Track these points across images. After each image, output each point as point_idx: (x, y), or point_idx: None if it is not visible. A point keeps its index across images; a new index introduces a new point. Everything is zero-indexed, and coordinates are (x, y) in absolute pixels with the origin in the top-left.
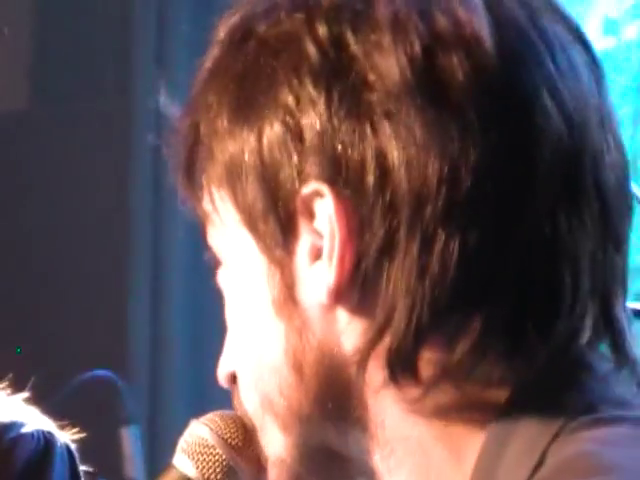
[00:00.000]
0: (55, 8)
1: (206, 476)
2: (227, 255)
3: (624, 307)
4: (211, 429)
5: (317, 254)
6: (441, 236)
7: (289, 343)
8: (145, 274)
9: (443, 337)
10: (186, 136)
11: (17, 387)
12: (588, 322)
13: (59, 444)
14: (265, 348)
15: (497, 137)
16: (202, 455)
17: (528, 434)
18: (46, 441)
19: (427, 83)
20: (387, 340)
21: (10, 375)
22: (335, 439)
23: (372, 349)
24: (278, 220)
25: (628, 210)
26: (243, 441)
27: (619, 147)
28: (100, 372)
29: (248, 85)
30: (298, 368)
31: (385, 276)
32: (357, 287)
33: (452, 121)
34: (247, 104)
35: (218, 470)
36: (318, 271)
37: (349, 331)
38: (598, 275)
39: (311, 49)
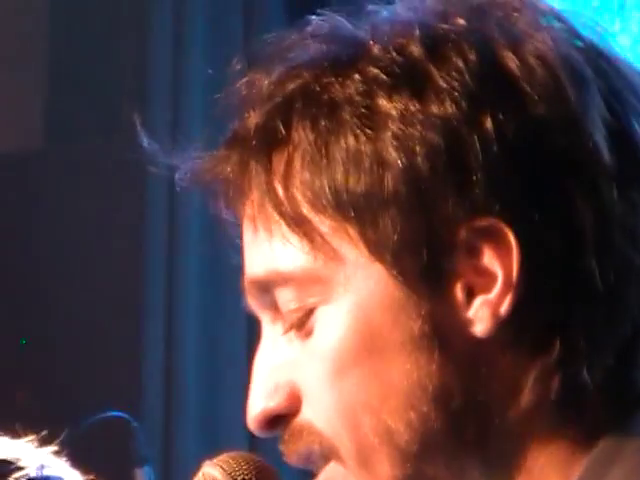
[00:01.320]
0: (71, 47)
1: None
2: (327, 289)
3: None
4: (223, 470)
5: (477, 290)
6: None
7: (433, 377)
8: (158, 319)
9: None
10: (257, 158)
11: (33, 426)
12: None
13: None
14: (392, 380)
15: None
16: None
17: (633, 457)
18: None
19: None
20: (556, 381)
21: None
22: (446, 476)
23: (544, 387)
24: (427, 254)
25: None
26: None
27: None
28: (114, 413)
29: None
30: (440, 401)
31: (553, 318)
32: (517, 326)
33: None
34: (377, 120)
35: None
36: (481, 307)
37: (507, 367)
38: None
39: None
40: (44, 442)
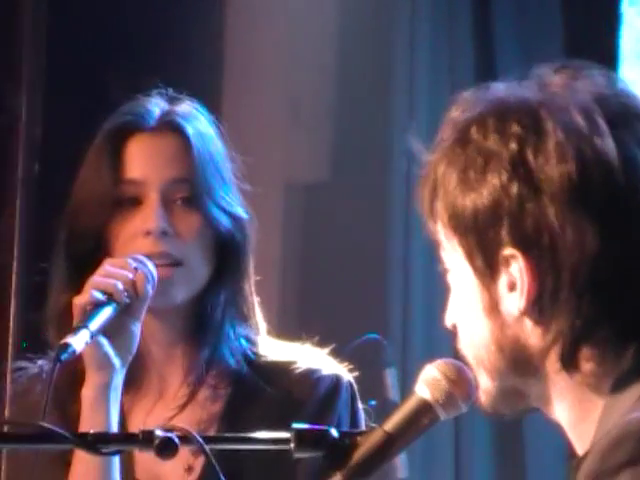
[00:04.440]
0: (355, 93)
1: (435, 398)
2: (454, 270)
3: None
4: (438, 369)
5: (512, 287)
6: (591, 287)
7: (494, 333)
8: (399, 276)
9: (593, 343)
10: (428, 191)
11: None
12: None
13: (345, 382)
14: (478, 331)
15: (625, 231)
16: (432, 385)
17: (631, 394)
18: (337, 380)
19: (580, 193)
20: (558, 344)
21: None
22: (520, 385)
23: (551, 347)
24: (487, 262)
25: None
26: (458, 377)
27: None
28: (372, 335)
29: (472, 175)
30: (500, 347)
31: (555, 307)
32: (537, 309)
33: (592, 218)
34: (468, 185)
35: (442, 394)
36: (514, 297)
37: (533, 333)
38: None
39: (507, 163)
40: (329, 353)
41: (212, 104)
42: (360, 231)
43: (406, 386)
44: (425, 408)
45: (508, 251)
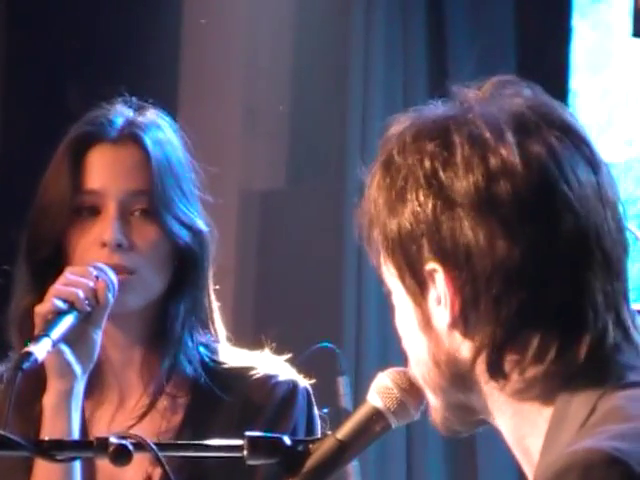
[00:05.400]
0: (311, 101)
1: (387, 406)
2: (393, 291)
3: (630, 312)
4: (390, 378)
5: (439, 301)
6: (506, 293)
7: (431, 349)
8: (353, 284)
9: (516, 350)
10: (365, 218)
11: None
12: (610, 327)
13: (302, 388)
14: (417, 349)
15: (532, 233)
16: (384, 393)
17: (584, 396)
18: (294, 386)
19: (488, 201)
20: (483, 354)
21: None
22: (464, 400)
23: (477, 357)
24: (415, 279)
25: (624, 252)
26: (409, 386)
27: (615, 214)
28: (326, 344)
29: (394, 196)
30: (437, 363)
31: (477, 317)
32: (462, 321)
33: (501, 225)
34: (392, 207)
35: (394, 403)
36: (441, 311)
37: (462, 346)
38: (609, 299)
39: (422, 180)
40: (286, 360)
41: (168, 112)
42: (315, 239)
43: (359, 394)
44: (377, 416)
45: (430, 266)
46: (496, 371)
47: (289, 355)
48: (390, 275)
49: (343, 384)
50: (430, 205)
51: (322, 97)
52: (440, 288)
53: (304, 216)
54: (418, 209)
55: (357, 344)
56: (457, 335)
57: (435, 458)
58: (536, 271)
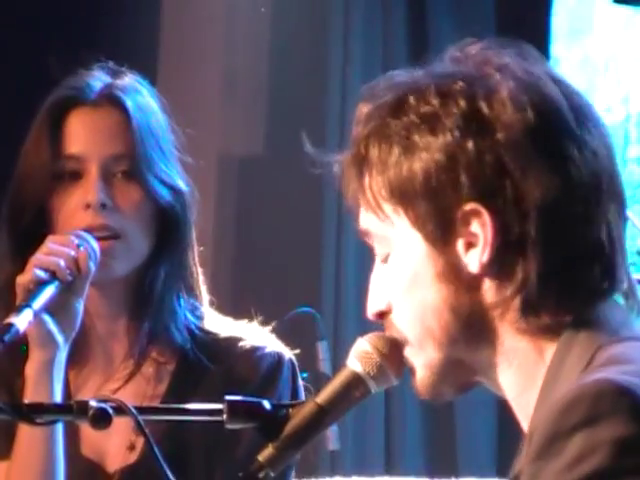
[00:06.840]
0: (291, 65)
1: (366, 371)
2: (394, 247)
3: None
4: (370, 342)
5: (470, 245)
6: (551, 230)
7: (448, 299)
8: (332, 249)
9: (554, 287)
10: (356, 173)
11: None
12: (625, 280)
13: (287, 359)
14: (428, 301)
15: (576, 170)
16: (364, 358)
17: (583, 346)
18: (279, 357)
19: (538, 138)
20: (521, 294)
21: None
22: (468, 355)
23: (511, 300)
24: (441, 225)
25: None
26: (389, 350)
27: (616, 174)
28: (305, 308)
29: (414, 138)
30: (455, 312)
31: (521, 255)
32: (498, 262)
33: (552, 163)
34: (414, 149)
35: (374, 367)
36: (473, 255)
37: (490, 290)
38: (624, 253)
39: (458, 117)
40: (270, 331)
41: (147, 77)
42: (294, 205)
43: (338, 359)
44: (356, 381)
45: (469, 206)
46: (532, 310)
47: (265, 320)
48: (394, 229)
49: (322, 349)
50: (470, 142)
51: (301, 63)
52: (477, 230)
53: (283, 181)
54: (455, 147)
55: (336, 309)
56: (486, 280)
57: (414, 423)
58: (582, 208)
